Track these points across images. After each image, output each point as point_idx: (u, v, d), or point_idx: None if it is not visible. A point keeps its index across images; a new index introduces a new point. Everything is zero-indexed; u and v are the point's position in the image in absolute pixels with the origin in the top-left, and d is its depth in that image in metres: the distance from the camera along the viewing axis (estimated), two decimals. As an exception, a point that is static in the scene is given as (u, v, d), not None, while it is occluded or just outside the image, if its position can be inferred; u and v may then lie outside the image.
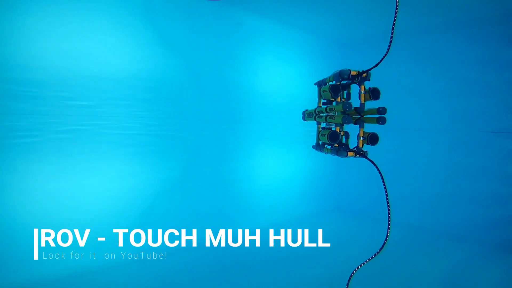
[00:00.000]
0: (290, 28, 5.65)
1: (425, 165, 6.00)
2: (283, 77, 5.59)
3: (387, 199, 3.39)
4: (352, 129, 4.09)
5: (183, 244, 4.19)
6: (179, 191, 4.41)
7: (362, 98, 3.71)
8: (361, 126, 3.78)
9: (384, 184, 3.40)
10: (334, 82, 3.88)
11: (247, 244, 4.40)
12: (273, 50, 5.50)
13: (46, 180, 3.33)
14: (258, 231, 4.85)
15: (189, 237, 4.30)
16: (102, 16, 3.57)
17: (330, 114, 4.01)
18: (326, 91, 3.90)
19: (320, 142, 4.39)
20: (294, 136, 5.60)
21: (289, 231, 5.03)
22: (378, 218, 6.12)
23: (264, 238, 4.74)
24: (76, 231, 3.46)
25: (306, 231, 5.06)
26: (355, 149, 3.77)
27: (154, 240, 4.01)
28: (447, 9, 4.82)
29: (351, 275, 3.55)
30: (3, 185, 3.15)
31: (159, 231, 4.06)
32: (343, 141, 4.05)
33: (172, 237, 4.17)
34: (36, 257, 3.27)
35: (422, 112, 5.96)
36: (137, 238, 3.87)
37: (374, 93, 3.67)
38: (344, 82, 3.82)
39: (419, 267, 4.37)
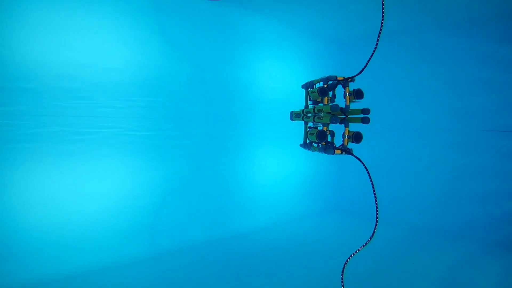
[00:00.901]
0: (289, 28, 5.68)
1: (424, 164, 5.97)
2: (283, 77, 5.60)
3: (373, 191, 3.68)
4: (337, 128, 4.34)
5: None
6: (179, 191, 4.42)
7: (347, 100, 3.99)
8: (346, 126, 4.04)
9: (370, 178, 3.68)
10: (321, 84, 4.14)
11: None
12: (273, 50, 5.52)
13: (47, 180, 3.32)
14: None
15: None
16: (102, 16, 3.56)
17: (317, 114, 4.27)
18: (314, 92, 4.16)
19: (308, 141, 4.64)
20: (294, 136, 5.63)
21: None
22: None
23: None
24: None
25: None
26: (341, 147, 4.03)
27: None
28: (446, 7, 4.78)
29: (344, 266, 3.76)
30: (3, 185, 3.13)
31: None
32: (329, 139, 4.31)
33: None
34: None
35: (421, 111, 5.93)
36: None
37: (358, 94, 3.95)
38: (330, 83, 4.08)
39: (419, 266, 4.33)
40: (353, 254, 3.91)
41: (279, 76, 5.58)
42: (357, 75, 3.84)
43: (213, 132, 4.59)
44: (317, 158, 5.81)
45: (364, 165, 3.69)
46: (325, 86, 4.09)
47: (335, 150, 4.00)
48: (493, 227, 5.21)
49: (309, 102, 4.61)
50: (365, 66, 3.81)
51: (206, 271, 3.75)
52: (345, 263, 3.76)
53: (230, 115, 4.94)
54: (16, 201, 3.14)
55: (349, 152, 3.94)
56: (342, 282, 3.53)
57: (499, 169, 5.19)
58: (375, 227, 3.74)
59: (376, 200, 3.67)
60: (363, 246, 3.93)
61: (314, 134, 4.19)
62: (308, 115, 4.52)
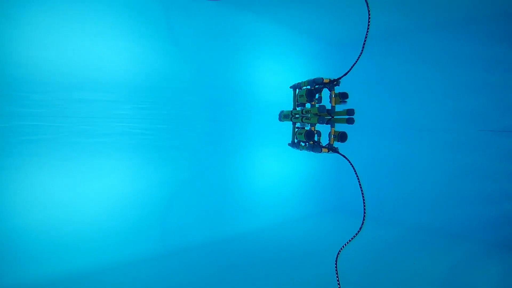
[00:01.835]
0: (290, 29, 5.67)
1: (425, 164, 5.96)
2: (283, 78, 5.59)
3: (360, 185, 3.92)
4: (323, 128, 4.55)
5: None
6: (179, 192, 4.42)
7: (333, 101, 4.23)
8: (332, 126, 4.28)
9: (356, 174, 3.93)
10: (309, 87, 4.37)
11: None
12: (273, 51, 5.52)
13: (47, 180, 3.34)
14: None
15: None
16: (101, 17, 3.55)
17: (305, 115, 4.49)
18: (302, 95, 4.39)
19: (296, 140, 4.86)
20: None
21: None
22: (377, 218, 6.21)
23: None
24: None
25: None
26: (327, 145, 4.27)
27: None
28: (446, 8, 4.78)
29: (336, 258, 3.93)
30: (4, 185, 3.14)
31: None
32: (316, 139, 4.54)
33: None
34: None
35: (422, 112, 5.93)
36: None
37: (343, 96, 4.19)
38: (317, 86, 4.31)
39: (419, 266, 4.32)
40: (344, 245, 4.11)
41: (279, 76, 5.60)
42: (342, 77, 4.08)
43: (213, 132, 4.59)
44: (317, 159, 5.84)
45: (350, 162, 3.94)
46: (313, 88, 4.31)
47: (322, 148, 4.23)
48: (493, 227, 5.22)
49: (297, 103, 4.83)
50: (349, 70, 4.06)
51: (206, 272, 3.76)
52: (337, 255, 3.96)
53: (230, 115, 4.94)
54: (17, 201, 3.16)
55: (335, 150, 4.18)
56: (337, 276, 3.67)
57: (499, 169, 5.20)
58: (363, 219, 3.99)
59: (363, 194, 3.93)
60: (353, 237, 4.16)
61: (303, 134, 4.41)
62: (296, 116, 4.73)
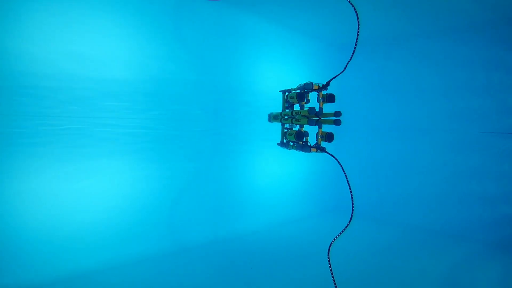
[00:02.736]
0: (290, 30, 5.72)
1: (425, 165, 6.01)
2: (283, 78, 5.63)
3: (347, 182, 4.19)
4: (310, 129, 4.77)
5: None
6: (179, 193, 4.46)
7: (321, 103, 4.49)
8: (320, 127, 4.54)
9: (343, 171, 4.20)
10: (298, 91, 4.61)
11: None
12: (274, 52, 5.57)
13: (48, 180, 3.34)
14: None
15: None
16: (100, 16, 3.53)
17: (295, 117, 4.72)
18: (293, 97, 4.62)
19: (285, 141, 5.09)
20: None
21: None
22: (378, 218, 6.36)
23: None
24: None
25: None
26: (315, 145, 4.52)
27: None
28: (446, 12, 4.86)
29: (328, 250, 4.13)
30: (4, 185, 3.14)
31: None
32: (304, 139, 4.78)
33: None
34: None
35: (423, 113, 5.99)
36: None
37: (330, 98, 4.45)
38: (306, 90, 4.55)
39: (419, 266, 4.35)
40: (335, 238, 4.34)
41: (279, 77, 5.65)
42: (329, 81, 4.34)
43: (212, 132, 4.58)
44: (317, 159, 5.72)
45: (337, 161, 4.20)
46: (302, 92, 4.55)
47: (311, 148, 4.48)
48: (493, 228, 5.27)
49: (286, 105, 5.07)
50: (338, 74, 4.32)
51: (206, 272, 3.82)
52: (329, 247, 4.17)
53: (231, 115, 4.97)
54: (17, 201, 3.17)
55: (323, 150, 4.43)
56: (330, 270, 3.81)
57: (498, 170, 5.26)
58: (351, 213, 4.24)
59: (350, 190, 4.19)
60: (343, 231, 4.39)
61: (293, 135, 4.64)
62: (286, 117, 4.96)
